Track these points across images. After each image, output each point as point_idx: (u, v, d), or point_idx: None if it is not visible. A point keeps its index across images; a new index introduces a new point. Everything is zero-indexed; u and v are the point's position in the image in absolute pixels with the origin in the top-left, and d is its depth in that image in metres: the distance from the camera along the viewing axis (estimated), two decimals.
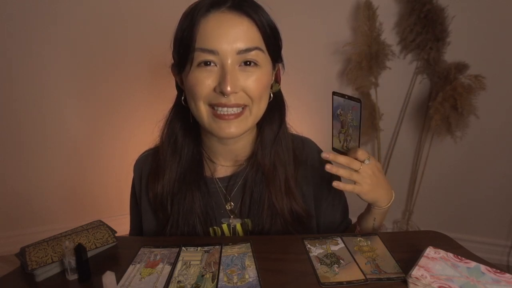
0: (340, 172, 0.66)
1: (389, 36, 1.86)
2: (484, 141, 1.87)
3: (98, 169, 2.21)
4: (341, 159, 0.67)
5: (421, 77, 1.90)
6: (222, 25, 0.64)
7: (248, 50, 0.64)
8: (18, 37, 1.89)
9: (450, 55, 1.77)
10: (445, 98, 1.70)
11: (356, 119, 0.66)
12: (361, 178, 0.67)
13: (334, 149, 0.73)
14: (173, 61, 0.73)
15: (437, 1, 1.72)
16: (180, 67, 0.69)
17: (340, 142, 0.72)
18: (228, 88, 0.62)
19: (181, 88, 0.75)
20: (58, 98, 2.05)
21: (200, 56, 0.64)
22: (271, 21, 0.69)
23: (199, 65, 0.65)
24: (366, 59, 1.80)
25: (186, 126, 0.78)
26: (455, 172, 1.98)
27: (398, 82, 1.93)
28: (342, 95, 0.67)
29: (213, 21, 0.64)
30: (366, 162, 0.67)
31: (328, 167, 0.66)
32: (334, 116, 0.70)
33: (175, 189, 0.77)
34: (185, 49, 0.65)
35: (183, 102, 0.74)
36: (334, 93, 0.68)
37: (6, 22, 1.85)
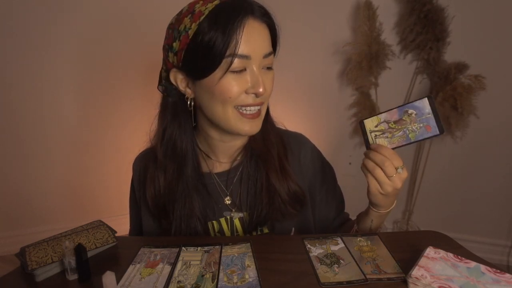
0: (376, 172, 0.65)
1: (389, 36, 1.86)
2: (484, 141, 1.87)
3: (98, 169, 2.21)
4: (387, 151, 0.63)
5: (421, 77, 1.90)
6: (253, 31, 0.66)
7: (269, 54, 0.69)
8: (17, 37, 1.89)
9: (450, 55, 1.77)
10: (445, 98, 1.70)
11: (417, 136, 0.60)
12: (387, 185, 0.66)
13: (361, 123, 0.67)
14: (181, 69, 0.70)
15: (437, 1, 1.72)
16: (202, 73, 0.67)
17: (375, 126, 0.65)
18: (261, 90, 0.66)
19: (174, 91, 0.75)
20: (58, 99, 2.05)
21: (236, 62, 0.65)
22: (276, 27, 0.73)
23: (233, 71, 0.66)
24: (366, 59, 1.80)
25: (182, 131, 0.78)
26: (455, 172, 1.98)
27: (398, 82, 1.93)
28: (435, 110, 0.59)
29: (247, 27, 0.65)
30: (399, 171, 0.64)
31: (373, 146, 0.66)
32: (401, 108, 0.62)
33: (176, 196, 0.77)
34: (216, 55, 0.64)
35: (190, 107, 0.74)
36: (429, 98, 0.60)
37: (5, 22, 1.85)
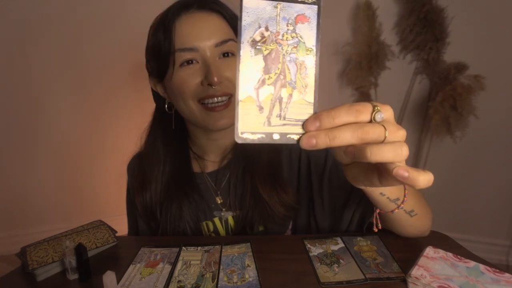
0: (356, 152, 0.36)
1: (389, 37, 1.86)
2: (484, 141, 1.87)
3: (99, 168, 2.21)
4: (338, 112, 0.35)
5: (420, 77, 1.90)
6: (196, 23, 0.67)
7: (223, 42, 0.68)
8: (11, 39, 1.89)
9: (450, 55, 1.77)
10: (445, 98, 1.70)
11: (305, 44, 0.35)
12: (392, 148, 0.34)
13: (241, 136, 0.34)
14: (149, 74, 0.76)
15: (436, 2, 1.72)
16: (161, 74, 0.71)
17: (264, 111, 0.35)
18: (215, 78, 0.65)
19: (160, 98, 0.78)
20: (57, 98, 2.05)
21: (181, 56, 0.67)
22: (235, 15, 0.73)
23: (181, 65, 0.67)
24: (366, 59, 1.80)
25: (169, 135, 0.80)
26: (454, 172, 1.98)
27: (397, 82, 1.94)
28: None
29: (186, 22, 0.67)
30: (379, 117, 0.35)
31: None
32: (244, 44, 0.34)
33: (162, 198, 0.78)
34: (164, 54, 0.68)
35: (167, 109, 0.76)
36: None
37: None
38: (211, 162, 0.82)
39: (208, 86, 0.66)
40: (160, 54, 0.69)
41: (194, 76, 0.67)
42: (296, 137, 0.35)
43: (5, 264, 1.92)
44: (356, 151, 0.35)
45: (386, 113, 0.36)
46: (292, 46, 0.35)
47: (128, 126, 2.16)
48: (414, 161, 2.02)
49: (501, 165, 1.88)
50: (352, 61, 1.87)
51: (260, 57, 0.34)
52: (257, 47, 0.34)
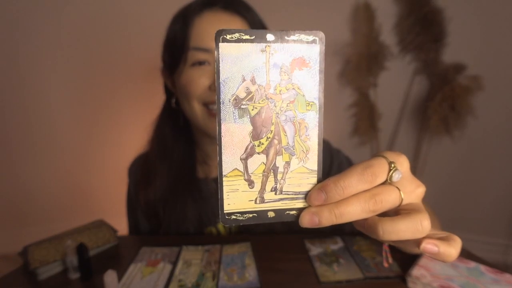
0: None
1: (388, 37, 1.87)
2: (483, 140, 1.88)
3: (100, 168, 2.21)
4: (349, 181, 0.29)
5: (419, 77, 1.90)
6: (216, 23, 0.64)
7: None
8: (13, 39, 1.90)
9: (448, 56, 1.78)
10: (444, 98, 1.70)
11: (305, 97, 0.28)
12: (410, 225, 0.29)
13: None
14: (162, 64, 0.74)
15: (435, 3, 1.72)
16: (172, 68, 0.69)
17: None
18: None
19: (170, 92, 0.76)
20: (58, 97, 2.05)
21: (194, 55, 0.64)
22: (261, 21, 0.70)
23: (193, 64, 0.65)
24: (365, 60, 1.80)
25: (176, 131, 0.78)
26: (453, 172, 1.98)
27: (396, 83, 1.94)
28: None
29: (206, 20, 0.65)
30: (396, 177, 0.30)
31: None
32: (224, 104, 0.28)
33: (167, 196, 0.77)
34: (178, 49, 0.66)
35: (174, 104, 0.74)
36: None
37: None
38: (216, 168, 0.81)
39: (215, 92, 0.65)
40: (174, 48, 0.66)
41: (203, 79, 0.64)
42: (296, 213, 0.29)
43: (7, 263, 1.92)
44: (366, 225, 0.30)
45: (402, 167, 0.31)
46: (288, 101, 0.28)
47: (129, 126, 2.16)
48: (413, 161, 2.02)
49: (499, 165, 1.89)
50: (352, 61, 1.87)
51: (246, 119, 0.28)
52: (242, 106, 0.27)
